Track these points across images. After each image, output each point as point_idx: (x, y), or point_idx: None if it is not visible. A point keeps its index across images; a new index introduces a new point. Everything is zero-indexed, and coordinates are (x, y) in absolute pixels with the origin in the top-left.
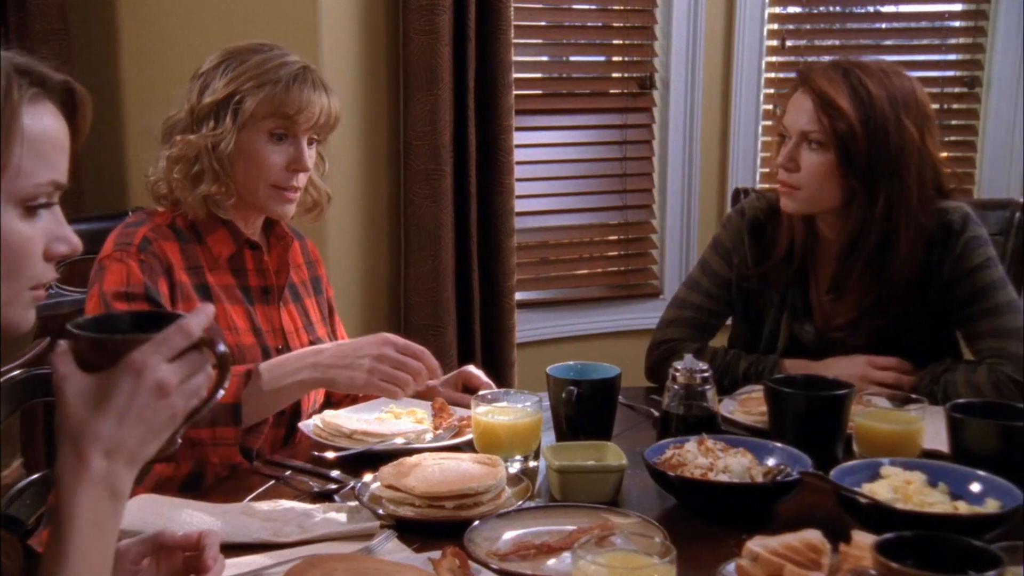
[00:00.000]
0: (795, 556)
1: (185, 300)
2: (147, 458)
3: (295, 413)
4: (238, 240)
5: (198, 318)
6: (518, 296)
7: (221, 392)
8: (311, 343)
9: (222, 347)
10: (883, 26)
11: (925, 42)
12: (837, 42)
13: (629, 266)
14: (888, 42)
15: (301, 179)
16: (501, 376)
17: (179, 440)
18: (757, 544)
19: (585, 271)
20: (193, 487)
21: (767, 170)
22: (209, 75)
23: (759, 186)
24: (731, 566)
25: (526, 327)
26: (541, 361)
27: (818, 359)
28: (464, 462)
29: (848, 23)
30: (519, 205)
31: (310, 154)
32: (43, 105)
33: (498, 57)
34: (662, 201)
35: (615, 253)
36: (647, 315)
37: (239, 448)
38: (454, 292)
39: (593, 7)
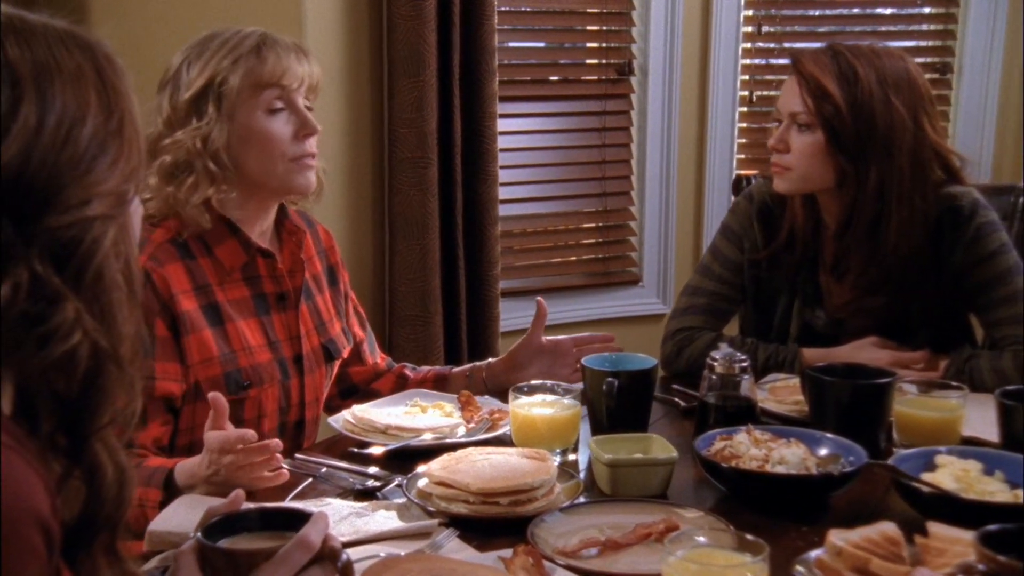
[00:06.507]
0: (876, 549)
1: (192, 331)
2: None
3: (301, 406)
4: (249, 250)
5: (317, 526)
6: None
7: None
8: (322, 346)
9: (345, 556)
10: (857, 11)
11: (898, 28)
12: (812, 29)
13: (609, 253)
14: (861, 28)
15: (313, 143)
16: None
17: None
18: (838, 538)
19: (564, 259)
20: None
21: (743, 156)
22: (177, 75)
23: (736, 172)
24: (811, 556)
25: (506, 315)
26: None
27: (830, 345)
28: (512, 456)
29: (822, 9)
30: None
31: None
32: None
33: (482, 43)
34: (640, 188)
35: (594, 240)
36: (627, 303)
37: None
38: (440, 282)
39: None
